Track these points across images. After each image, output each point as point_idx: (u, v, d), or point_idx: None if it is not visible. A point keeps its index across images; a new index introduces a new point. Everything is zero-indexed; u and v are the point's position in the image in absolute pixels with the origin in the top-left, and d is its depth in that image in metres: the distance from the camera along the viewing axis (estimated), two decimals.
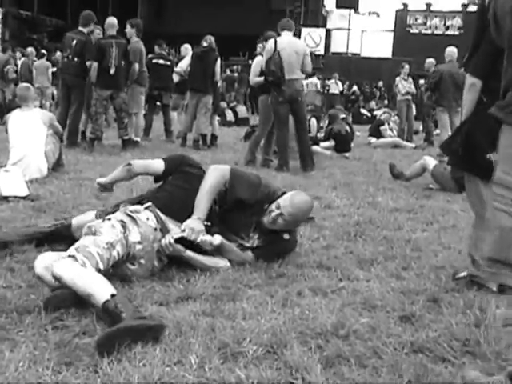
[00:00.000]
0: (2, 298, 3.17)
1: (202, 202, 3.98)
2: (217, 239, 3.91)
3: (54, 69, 17.53)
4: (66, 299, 3.10)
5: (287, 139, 8.82)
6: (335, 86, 25.11)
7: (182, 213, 3.96)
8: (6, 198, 5.66)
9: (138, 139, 10.99)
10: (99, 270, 3.24)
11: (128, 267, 3.62)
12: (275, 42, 8.49)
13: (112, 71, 9.86)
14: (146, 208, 3.86)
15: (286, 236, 4.21)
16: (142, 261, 3.67)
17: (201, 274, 3.74)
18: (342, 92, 26.02)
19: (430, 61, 14.70)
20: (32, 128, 6.95)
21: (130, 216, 3.70)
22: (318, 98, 18.85)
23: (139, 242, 3.62)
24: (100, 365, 2.52)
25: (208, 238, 3.87)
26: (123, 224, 3.61)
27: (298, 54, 8.57)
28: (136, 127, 11.12)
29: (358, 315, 3.24)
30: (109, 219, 3.65)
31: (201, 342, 2.77)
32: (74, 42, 9.99)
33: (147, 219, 3.76)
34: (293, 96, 8.52)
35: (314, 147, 10.23)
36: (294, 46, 8.67)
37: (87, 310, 3.07)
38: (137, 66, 10.55)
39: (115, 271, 3.53)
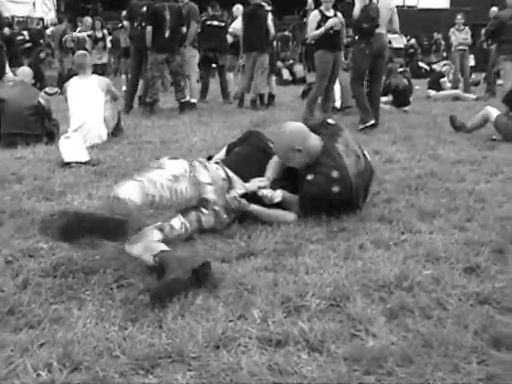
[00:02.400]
0: (68, 259, 3.24)
1: (272, 165, 4.09)
2: (278, 195, 3.92)
3: (110, 37, 17.72)
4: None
5: (363, 93, 8.48)
6: (400, 40, 24.48)
7: (249, 174, 4.04)
8: (68, 164, 5.76)
9: (195, 101, 10.97)
10: (164, 198, 3.43)
11: (202, 211, 3.72)
12: None
13: (167, 34, 9.87)
14: (215, 162, 4.04)
15: (309, 177, 3.99)
16: (216, 207, 3.76)
17: (262, 230, 3.75)
18: (406, 46, 25.42)
19: (494, 9, 14.23)
20: (90, 94, 7.03)
21: (199, 162, 3.89)
22: None
23: (210, 184, 3.75)
24: (164, 320, 2.57)
25: (269, 193, 3.89)
26: (191, 164, 3.76)
27: (388, 10, 8.26)
28: (191, 89, 11.11)
29: (422, 267, 3.20)
30: (177, 158, 3.81)
31: (263, 297, 2.78)
32: (144, 9, 10.00)
33: (217, 169, 3.89)
34: (380, 50, 8.20)
35: None
36: (385, 1, 8.27)
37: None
38: (196, 25, 10.52)
39: (189, 215, 3.67)
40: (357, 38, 8.38)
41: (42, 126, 7.15)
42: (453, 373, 2.19)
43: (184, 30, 10.33)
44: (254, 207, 3.90)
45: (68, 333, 2.45)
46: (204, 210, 3.73)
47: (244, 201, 3.84)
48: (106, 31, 17.21)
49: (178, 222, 3.61)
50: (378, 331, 2.49)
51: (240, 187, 3.89)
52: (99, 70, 14.57)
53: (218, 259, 3.30)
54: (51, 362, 2.23)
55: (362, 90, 8.44)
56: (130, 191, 3.23)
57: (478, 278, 3.09)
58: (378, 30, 8.09)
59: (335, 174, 3.96)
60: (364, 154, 4.30)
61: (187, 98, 10.53)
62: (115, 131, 7.44)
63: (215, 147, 6.03)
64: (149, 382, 2.16)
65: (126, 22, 11.23)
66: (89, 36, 16.54)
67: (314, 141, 4.08)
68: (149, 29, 9.78)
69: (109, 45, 17.14)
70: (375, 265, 3.20)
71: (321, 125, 4.33)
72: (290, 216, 3.98)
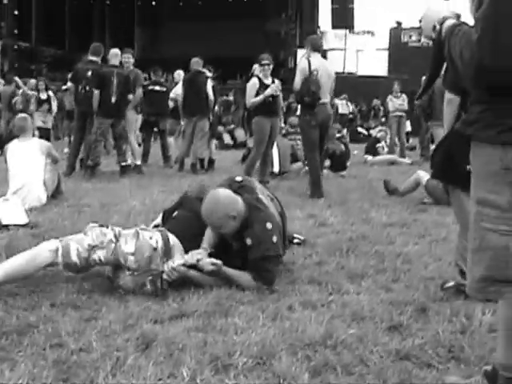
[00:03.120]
0: (1, 320, 3.29)
1: (207, 236, 4.19)
2: (217, 261, 3.98)
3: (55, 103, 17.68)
4: None
5: (319, 164, 8.56)
6: (346, 107, 25.14)
7: (191, 238, 4.17)
8: (6, 227, 5.77)
9: (139, 162, 11.08)
10: (75, 264, 3.87)
11: (124, 273, 3.91)
12: (309, 62, 8.21)
13: (113, 100, 10.04)
14: (158, 230, 4.13)
15: (248, 241, 4.08)
16: (135, 273, 3.89)
17: (194, 292, 3.86)
18: (350, 113, 26.03)
19: (425, 78, 14.89)
20: (30, 157, 7.10)
21: (135, 230, 4.04)
22: None
23: (132, 254, 3.88)
24: (96, 380, 2.64)
25: (208, 260, 3.97)
26: (118, 234, 3.95)
27: (329, 78, 8.46)
28: (133, 151, 11.22)
29: (347, 326, 3.35)
30: (106, 227, 4.04)
31: (193, 356, 2.87)
32: (90, 73, 10.17)
33: (150, 238, 3.98)
34: (324, 120, 8.35)
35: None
36: (326, 68, 8.47)
37: (85, 328, 3.22)
38: (140, 91, 10.77)
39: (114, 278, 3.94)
40: (300, 109, 8.61)
41: None
42: None
43: (131, 96, 10.53)
44: (193, 273, 3.98)
45: None
46: (126, 272, 3.92)
47: (182, 268, 3.92)
48: (51, 93, 16.89)
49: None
50: None
51: (179, 257, 3.99)
52: (43, 134, 14.36)
53: (151, 320, 3.39)
54: None
55: (316, 163, 8.49)
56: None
57: (400, 335, 3.25)
58: (321, 100, 8.23)
59: (269, 225, 4.09)
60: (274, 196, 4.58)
61: (129, 162, 10.66)
62: (55, 193, 7.49)
63: (154, 211, 6.15)
64: None
65: (70, 84, 11.32)
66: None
67: (241, 203, 4.17)
68: (96, 93, 9.96)
69: (54, 108, 16.77)
70: (302, 325, 3.32)
71: (232, 184, 4.44)
72: (247, 276, 4.05)
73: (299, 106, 8.96)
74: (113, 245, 3.90)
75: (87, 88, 10.19)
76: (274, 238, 4.09)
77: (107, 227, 4.08)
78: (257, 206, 4.20)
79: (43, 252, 3.90)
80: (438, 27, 2.31)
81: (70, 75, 11.30)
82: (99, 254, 3.89)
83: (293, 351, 2.99)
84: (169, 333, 3.17)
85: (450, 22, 2.26)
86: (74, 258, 3.86)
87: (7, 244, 5.06)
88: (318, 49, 8.60)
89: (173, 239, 4.08)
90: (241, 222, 4.13)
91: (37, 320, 3.32)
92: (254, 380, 2.66)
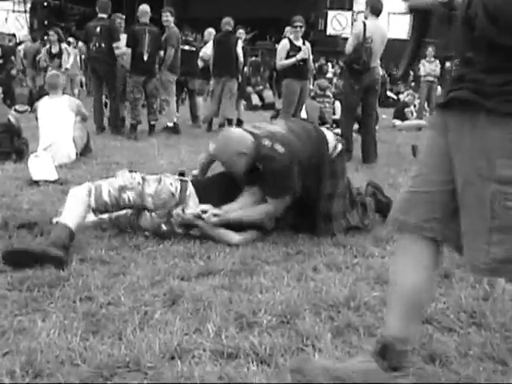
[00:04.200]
0: (33, 273, 3.38)
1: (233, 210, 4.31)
2: (219, 211, 4.21)
3: (82, 56, 17.72)
4: (24, 256, 3.56)
5: (352, 129, 8.57)
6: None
7: (216, 199, 4.32)
8: (36, 182, 5.88)
9: (171, 124, 11.11)
10: (105, 203, 4.10)
11: (144, 215, 4.27)
12: (364, 26, 8.00)
13: (145, 57, 10.07)
14: (179, 179, 4.36)
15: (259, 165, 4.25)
16: (154, 214, 4.22)
17: (221, 251, 3.94)
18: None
19: None
20: (60, 115, 7.17)
21: (157, 175, 4.32)
22: None
23: (151, 195, 4.16)
24: (124, 332, 2.72)
25: (211, 211, 4.21)
26: (144, 178, 4.23)
27: (383, 43, 8.23)
28: (168, 113, 11.25)
29: (371, 289, 3.39)
30: (135, 171, 4.35)
31: (218, 313, 2.94)
32: (98, 29, 10.17)
33: (170, 184, 4.23)
34: (370, 85, 8.17)
35: (338, 130, 10.32)
36: (381, 33, 8.21)
37: (113, 283, 3.31)
38: (172, 51, 10.71)
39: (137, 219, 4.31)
40: (346, 71, 8.45)
41: (12, 144, 7.27)
42: None
43: (161, 53, 10.54)
44: (200, 223, 4.19)
45: (31, 342, 2.59)
46: (146, 213, 4.26)
47: (188, 216, 4.19)
48: (65, 45, 15.05)
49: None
50: (324, 347, 2.67)
51: (192, 207, 4.23)
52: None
53: (178, 277, 3.46)
54: (14, 370, 2.36)
55: (349, 126, 8.51)
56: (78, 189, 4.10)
57: None
58: (371, 64, 8.05)
59: (267, 141, 4.22)
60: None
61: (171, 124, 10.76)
62: (84, 151, 7.59)
63: None
64: None
65: (81, 44, 11.26)
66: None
67: (252, 141, 4.26)
68: (128, 51, 10.04)
69: (69, 61, 14.70)
70: (326, 286, 3.38)
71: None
72: (234, 238, 4.19)
73: (345, 68, 8.82)
74: (140, 187, 4.17)
75: (97, 45, 10.20)
76: (278, 147, 4.20)
77: (136, 172, 4.35)
78: (258, 136, 4.29)
79: (80, 195, 4.08)
80: None
81: (81, 36, 11.22)
82: (128, 195, 4.16)
83: (316, 311, 3.05)
84: (195, 290, 3.25)
85: None
86: (106, 197, 4.10)
87: (39, 200, 5.16)
88: (377, 12, 8.28)
89: (190, 190, 4.30)
90: (252, 159, 4.24)
91: (67, 274, 3.41)
92: (278, 338, 2.71)
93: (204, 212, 4.18)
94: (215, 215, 4.18)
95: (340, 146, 4.52)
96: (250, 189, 4.39)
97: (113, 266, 3.63)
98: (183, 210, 4.22)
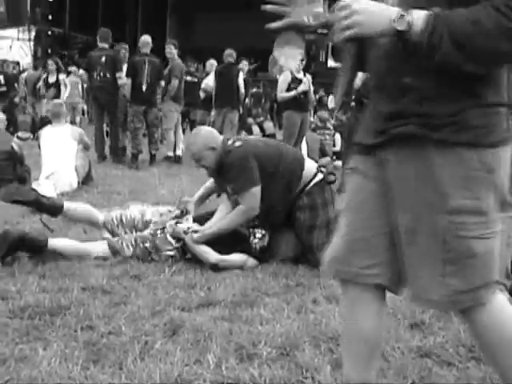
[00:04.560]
0: (35, 301, 3.40)
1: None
2: (199, 227, 4.54)
3: (84, 84, 17.83)
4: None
5: None
6: None
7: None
8: None
9: (170, 154, 11.17)
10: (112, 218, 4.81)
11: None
12: None
13: (144, 88, 10.16)
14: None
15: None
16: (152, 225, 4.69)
17: (221, 282, 3.96)
18: None
19: None
20: (63, 143, 7.24)
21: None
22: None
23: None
24: (125, 362, 2.73)
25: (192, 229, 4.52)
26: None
27: None
28: (168, 143, 11.31)
29: None
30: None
31: (219, 344, 2.96)
32: (104, 59, 10.27)
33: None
34: None
35: (339, 162, 10.38)
36: None
37: (114, 312, 3.32)
38: (176, 82, 10.80)
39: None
40: (355, 106, 8.50)
41: (14, 172, 7.30)
42: None
43: (162, 84, 10.62)
44: (186, 238, 4.43)
45: (32, 371, 2.60)
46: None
47: (178, 229, 4.52)
48: (62, 76, 15.02)
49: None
50: (323, 379, 2.68)
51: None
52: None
53: (178, 308, 3.48)
54: None
55: None
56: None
57: (421, 333, 3.30)
58: None
59: (230, 140, 4.64)
60: None
61: (177, 152, 10.94)
62: (85, 180, 7.63)
63: None
64: None
65: (82, 72, 11.32)
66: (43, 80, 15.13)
67: (221, 138, 4.68)
68: (128, 81, 10.15)
69: (65, 94, 14.62)
70: (326, 318, 3.39)
71: None
72: (212, 257, 4.36)
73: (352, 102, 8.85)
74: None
75: (101, 74, 10.31)
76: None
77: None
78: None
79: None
80: (408, 18, 1.76)
81: (83, 65, 11.30)
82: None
83: (316, 343, 3.06)
84: (196, 320, 3.27)
85: (421, 13, 1.78)
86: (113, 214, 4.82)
87: (41, 228, 5.17)
88: None
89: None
90: (221, 160, 4.55)
91: (68, 303, 3.43)
92: (278, 370, 2.73)
93: (190, 230, 4.46)
94: (195, 231, 4.44)
95: (320, 176, 4.60)
96: (225, 202, 4.70)
97: (114, 295, 3.65)
98: (176, 223, 4.58)
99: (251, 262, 4.43)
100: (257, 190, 4.43)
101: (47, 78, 14.19)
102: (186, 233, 4.44)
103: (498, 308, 1.97)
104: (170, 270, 4.19)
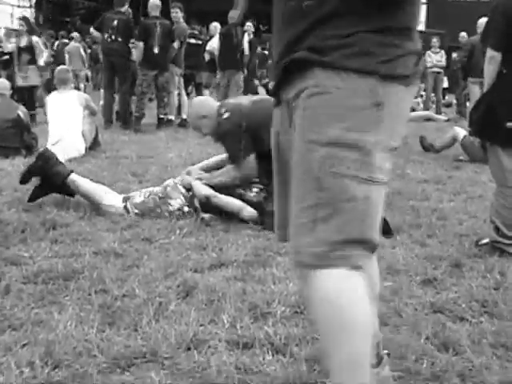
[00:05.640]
0: (48, 266, 3.42)
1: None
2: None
3: (89, 50, 17.72)
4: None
5: None
6: None
7: None
8: None
9: (172, 117, 11.11)
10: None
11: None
12: None
13: (156, 50, 10.07)
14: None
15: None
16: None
17: (233, 243, 3.98)
18: None
19: (463, 35, 14.75)
20: (69, 109, 7.21)
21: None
22: None
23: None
24: (140, 324, 2.75)
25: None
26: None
27: None
28: (171, 106, 11.23)
29: (382, 279, 3.40)
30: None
31: (233, 304, 2.97)
32: (116, 22, 10.19)
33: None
34: None
35: None
36: None
37: (127, 275, 3.34)
38: (176, 44, 10.68)
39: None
40: None
41: (21, 139, 7.32)
42: (404, 372, 2.39)
43: (175, 45, 10.54)
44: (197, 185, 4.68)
45: (49, 334, 2.62)
46: None
47: (188, 177, 4.82)
48: (36, 38, 12.19)
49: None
50: None
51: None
52: (24, 95, 11.29)
53: (191, 269, 3.50)
54: (33, 361, 2.39)
55: None
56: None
57: (434, 289, 3.31)
58: None
59: (222, 109, 4.76)
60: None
61: (168, 116, 10.76)
62: (93, 145, 7.62)
63: (191, 163, 6.23)
64: (125, 379, 2.34)
65: (95, 32, 11.27)
66: None
67: (212, 105, 4.88)
68: (140, 44, 10.05)
69: (43, 58, 12.56)
70: None
71: None
72: (206, 190, 4.62)
73: None
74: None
75: (113, 37, 10.26)
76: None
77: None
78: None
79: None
80: None
81: (95, 23, 11.19)
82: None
83: None
84: (209, 281, 3.28)
85: None
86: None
87: (51, 194, 5.19)
88: None
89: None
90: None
91: (81, 267, 3.45)
92: (292, 328, 2.74)
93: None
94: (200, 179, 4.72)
95: None
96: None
97: (126, 258, 3.67)
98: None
99: (249, 210, 4.49)
100: (249, 160, 4.59)
101: (19, 41, 11.79)
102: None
103: (350, 287, 1.64)
104: (181, 232, 4.20)
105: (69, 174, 4.79)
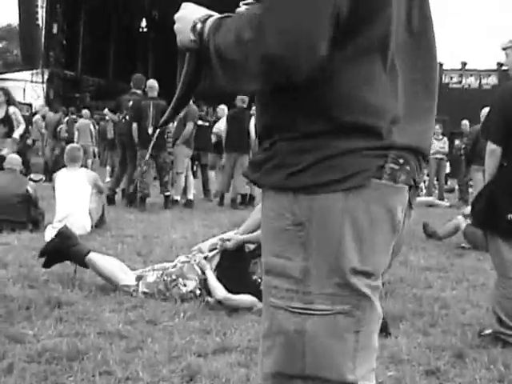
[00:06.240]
0: (52, 346, 3.43)
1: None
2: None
3: (97, 127, 18.03)
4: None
5: None
6: None
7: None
8: None
9: (178, 198, 11.19)
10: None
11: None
12: None
13: (150, 131, 10.26)
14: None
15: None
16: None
17: (236, 328, 3.97)
18: None
19: (465, 122, 15.06)
20: (77, 187, 7.32)
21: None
22: None
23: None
24: None
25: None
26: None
27: None
28: (177, 186, 11.31)
29: (385, 368, 3.41)
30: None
31: None
32: (131, 103, 10.44)
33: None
34: None
35: None
36: None
37: (131, 357, 3.34)
38: (191, 126, 10.88)
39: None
40: None
41: (28, 214, 7.41)
42: None
43: (170, 126, 10.68)
44: (209, 274, 4.66)
45: None
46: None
47: (204, 262, 4.77)
48: (13, 110, 10.93)
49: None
50: None
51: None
52: None
53: (194, 353, 3.50)
54: None
55: None
56: None
57: (437, 380, 3.32)
58: None
59: None
60: None
61: (173, 195, 10.91)
62: (99, 223, 7.69)
63: (195, 244, 6.27)
64: None
65: (110, 113, 11.51)
66: None
67: None
68: (134, 125, 10.22)
69: (19, 131, 11.04)
70: None
71: None
72: (220, 293, 4.51)
73: None
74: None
75: (126, 118, 10.54)
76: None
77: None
78: None
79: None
80: (199, 26, 1.51)
81: (110, 105, 11.51)
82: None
83: None
84: (212, 366, 3.28)
85: (215, 17, 1.51)
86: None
87: (56, 271, 5.23)
88: None
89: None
90: None
91: (85, 347, 3.45)
92: None
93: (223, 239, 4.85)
94: (228, 240, 4.78)
95: None
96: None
97: (130, 340, 3.67)
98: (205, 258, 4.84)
99: (260, 306, 4.44)
100: None
101: None
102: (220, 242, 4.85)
103: None
104: (185, 314, 4.21)
105: (88, 253, 4.87)
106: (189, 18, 1.54)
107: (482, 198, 4.11)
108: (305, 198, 1.42)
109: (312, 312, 1.43)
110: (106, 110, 11.59)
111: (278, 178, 1.44)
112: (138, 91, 10.81)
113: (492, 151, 4.00)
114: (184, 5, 1.58)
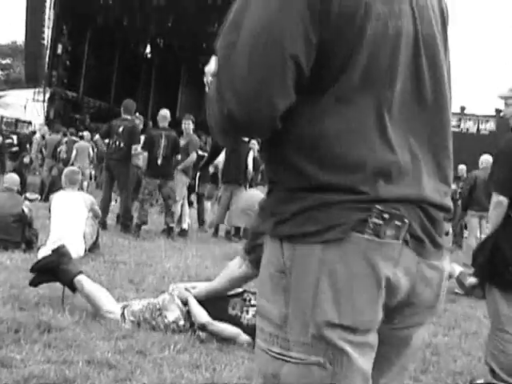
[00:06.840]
0: (40, 372, 3.39)
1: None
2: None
3: (95, 149, 18.04)
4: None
5: None
6: None
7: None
8: None
9: (173, 225, 11.11)
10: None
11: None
12: None
13: (159, 161, 10.28)
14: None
15: None
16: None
17: (227, 363, 3.93)
18: None
19: (462, 167, 15.10)
20: (74, 210, 7.29)
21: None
22: None
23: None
24: None
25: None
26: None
27: None
28: (173, 215, 11.27)
29: None
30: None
31: None
32: (121, 129, 10.42)
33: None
34: None
35: None
36: None
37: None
38: (195, 156, 10.95)
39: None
40: None
41: (22, 234, 7.38)
42: None
43: (179, 157, 10.70)
44: (192, 302, 4.63)
45: None
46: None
47: (186, 292, 4.72)
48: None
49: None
50: None
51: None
52: None
53: None
54: None
55: None
56: None
57: None
58: None
59: None
60: None
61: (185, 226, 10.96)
62: (92, 247, 7.64)
63: (188, 275, 6.26)
64: None
65: (99, 140, 11.52)
66: None
67: None
68: (145, 154, 10.28)
69: None
70: None
71: None
72: (204, 317, 4.52)
73: None
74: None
75: (117, 143, 10.45)
76: None
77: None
78: None
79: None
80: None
81: (101, 131, 11.51)
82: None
83: None
84: None
85: None
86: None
87: (47, 294, 5.19)
88: None
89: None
90: None
91: (73, 375, 3.42)
92: None
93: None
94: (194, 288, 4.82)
95: None
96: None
97: (119, 370, 3.63)
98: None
99: (244, 337, 4.43)
100: None
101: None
102: (187, 290, 4.75)
103: None
104: (175, 347, 4.17)
105: (78, 274, 4.89)
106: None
107: (485, 249, 4.09)
108: (289, 247, 1.44)
109: (288, 359, 1.43)
110: (97, 137, 11.59)
111: (270, 225, 1.48)
112: (129, 117, 10.79)
113: (499, 203, 4.00)
114: (213, 58, 1.55)
